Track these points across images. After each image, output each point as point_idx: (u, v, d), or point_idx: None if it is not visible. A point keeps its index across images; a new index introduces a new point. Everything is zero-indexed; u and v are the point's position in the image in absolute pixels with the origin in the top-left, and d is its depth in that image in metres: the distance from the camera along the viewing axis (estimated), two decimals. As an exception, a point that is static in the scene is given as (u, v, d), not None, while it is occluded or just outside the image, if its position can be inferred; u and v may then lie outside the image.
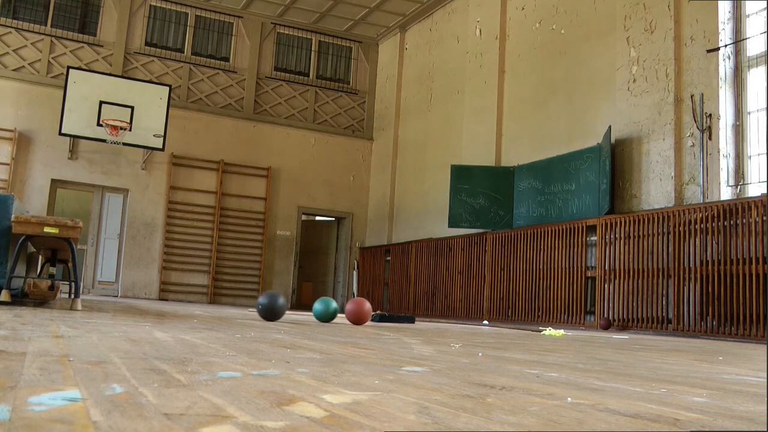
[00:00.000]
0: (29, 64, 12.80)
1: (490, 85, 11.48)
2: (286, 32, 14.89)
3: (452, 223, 11.01)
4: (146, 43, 13.73)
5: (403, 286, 12.90)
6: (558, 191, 9.52)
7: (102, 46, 13.34)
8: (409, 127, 14.09)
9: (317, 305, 5.27)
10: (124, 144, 12.56)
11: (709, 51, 7.76)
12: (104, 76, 12.72)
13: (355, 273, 14.64)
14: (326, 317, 5.25)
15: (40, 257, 7.16)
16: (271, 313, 4.80)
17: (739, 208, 6.84)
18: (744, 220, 6.76)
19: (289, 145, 14.56)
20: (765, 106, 7.31)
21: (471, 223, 10.84)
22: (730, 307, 6.80)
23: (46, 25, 13.00)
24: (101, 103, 12.36)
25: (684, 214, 7.46)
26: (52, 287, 5.94)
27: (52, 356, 1.52)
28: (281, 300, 4.82)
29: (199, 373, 1.35)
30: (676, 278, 7.42)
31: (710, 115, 7.67)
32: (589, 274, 8.75)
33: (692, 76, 7.96)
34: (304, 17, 14.64)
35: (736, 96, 7.62)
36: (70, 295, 5.96)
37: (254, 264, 14.05)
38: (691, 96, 7.89)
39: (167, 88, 12.94)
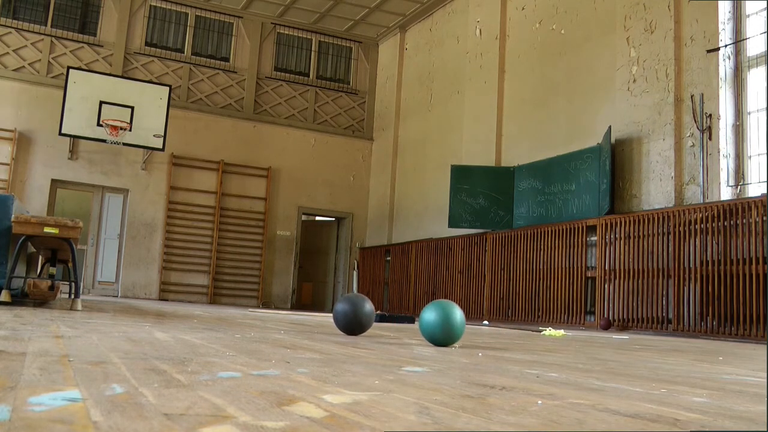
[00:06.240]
0: (29, 64, 12.80)
1: (490, 85, 11.48)
2: (286, 32, 14.89)
3: (452, 224, 11.01)
4: (146, 43, 13.72)
5: (403, 286, 12.90)
6: (558, 191, 9.52)
7: (102, 46, 13.34)
8: (409, 127, 14.09)
9: (430, 314, 2.88)
10: (124, 144, 12.56)
11: (709, 51, 7.76)
12: (104, 76, 12.72)
13: (355, 273, 14.63)
14: (445, 335, 2.87)
15: (40, 257, 7.16)
16: (354, 325, 3.35)
17: (739, 208, 6.84)
18: (744, 220, 6.76)
19: (289, 145, 14.57)
20: (765, 106, 7.31)
21: (471, 223, 10.84)
22: (730, 307, 6.80)
23: (46, 25, 13.00)
24: (101, 103, 12.36)
25: (684, 214, 7.46)
26: (52, 287, 5.94)
27: (52, 356, 1.52)
28: (368, 306, 3.36)
29: (199, 373, 1.35)
30: (676, 278, 7.42)
31: (710, 115, 7.67)
32: (589, 274, 8.75)
33: (692, 76, 7.96)
34: (304, 17, 14.64)
35: (736, 96, 7.62)
36: (70, 295, 5.96)
37: (254, 264, 14.05)
38: (691, 96, 7.89)
39: (167, 88, 12.94)
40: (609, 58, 9.17)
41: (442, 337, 2.86)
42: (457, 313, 2.89)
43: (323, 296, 15.14)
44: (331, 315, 7.23)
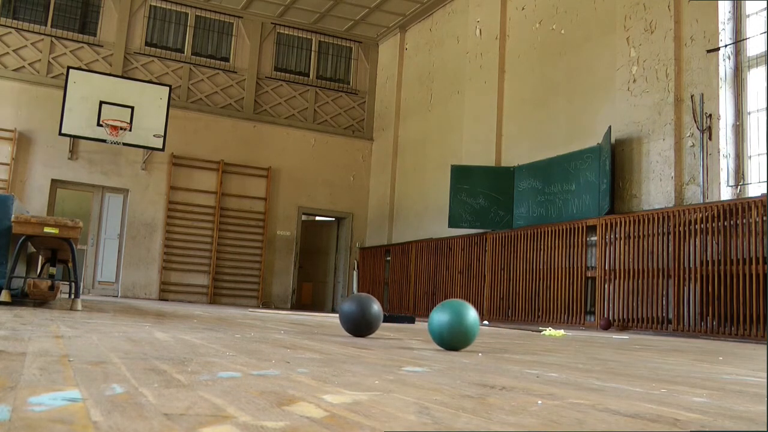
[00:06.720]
0: (29, 64, 12.80)
1: (490, 85, 11.48)
2: (286, 32, 14.89)
3: (452, 224, 11.01)
4: (146, 43, 13.72)
5: (403, 286, 12.89)
6: (558, 191, 9.52)
7: (102, 46, 13.34)
8: (409, 127, 14.09)
9: (441, 315, 2.59)
10: (124, 144, 12.56)
11: (709, 51, 7.76)
12: (104, 76, 12.72)
13: (355, 273, 14.63)
14: (456, 338, 2.59)
15: (40, 257, 7.16)
16: (361, 326, 3.23)
17: (739, 208, 6.84)
18: (744, 220, 6.76)
19: (289, 145, 14.57)
20: (765, 106, 7.31)
21: (471, 223, 10.84)
22: (730, 307, 6.79)
23: (46, 25, 13.00)
24: (101, 103, 12.36)
25: (684, 214, 7.46)
26: (52, 287, 5.94)
27: (52, 356, 1.52)
28: (376, 307, 3.23)
29: (199, 373, 1.35)
30: (676, 278, 7.42)
31: (710, 115, 7.67)
32: (589, 274, 8.75)
33: (692, 76, 7.96)
34: (304, 17, 14.64)
35: (736, 96, 7.62)
36: (70, 295, 5.96)
37: (254, 264, 14.05)
38: (691, 96, 7.89)
39: (167, 88, 12.94)
40: (609, 58, 9.17)
41: (454, 343, 2.58)
42: (471, 315, 2.56)
43: (323, 296, 15.15)
44: (331, 315, 7.21)
